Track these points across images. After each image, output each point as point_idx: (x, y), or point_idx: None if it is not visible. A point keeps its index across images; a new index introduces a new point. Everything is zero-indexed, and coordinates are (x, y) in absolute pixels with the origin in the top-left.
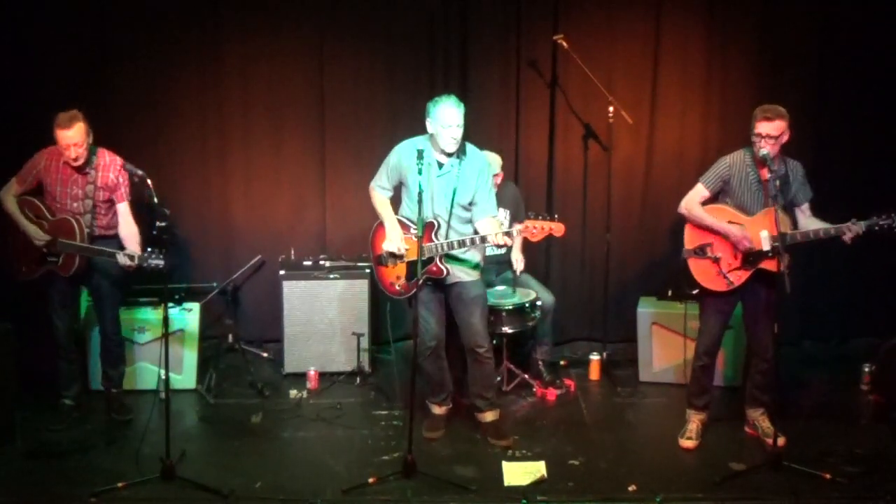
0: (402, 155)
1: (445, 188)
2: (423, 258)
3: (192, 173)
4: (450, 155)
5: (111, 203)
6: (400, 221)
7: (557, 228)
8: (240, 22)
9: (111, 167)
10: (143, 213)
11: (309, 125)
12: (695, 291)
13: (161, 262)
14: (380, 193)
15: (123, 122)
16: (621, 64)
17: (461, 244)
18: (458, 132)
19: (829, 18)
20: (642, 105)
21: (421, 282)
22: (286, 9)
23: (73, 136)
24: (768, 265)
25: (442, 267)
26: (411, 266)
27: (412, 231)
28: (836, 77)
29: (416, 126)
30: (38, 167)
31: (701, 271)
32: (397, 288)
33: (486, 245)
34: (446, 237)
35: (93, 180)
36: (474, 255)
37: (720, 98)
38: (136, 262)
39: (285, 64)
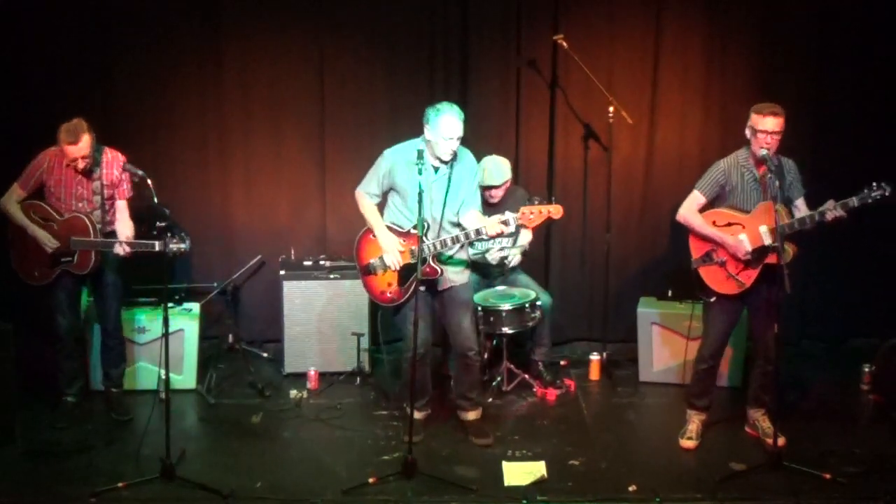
0: (395, 160)
1: (439, 191)
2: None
3: (192, 173)
4: (445, 161)
5: (113, 200)
6: (390, 228)
7: (556, 210)
8: (240, 22)
9: (114, 164)
10: (143, 213)
11: (309, 125)
12: (712, 299)
13: (184, 246)
14: (367, 199)
15: (123, 122)
16: (621, 64)
17: (455, 241)
18: (458, 144)
19: (829, 18)
20: (642, 105)
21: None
22: (286, 9)
23: (81, 149)
24: (773, 259)
25: (436, 267)
26: (404, 270)
27: (412, 233)
28: (836, 76)
29: (417, 126)
30: (41, 169)
31: (712, 277)
32: (389, 295)
33: (481, 240)
34: (437, 237)
35: (99, 177)
36: (462, 254)
37: (720, 98)
38: (157, 248)
39: (285, 64)
